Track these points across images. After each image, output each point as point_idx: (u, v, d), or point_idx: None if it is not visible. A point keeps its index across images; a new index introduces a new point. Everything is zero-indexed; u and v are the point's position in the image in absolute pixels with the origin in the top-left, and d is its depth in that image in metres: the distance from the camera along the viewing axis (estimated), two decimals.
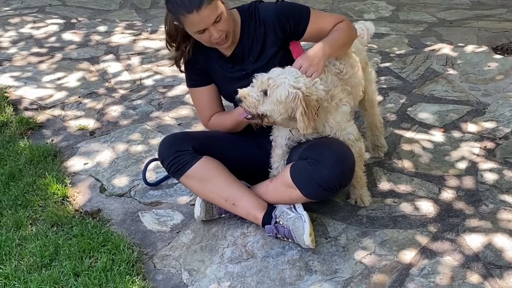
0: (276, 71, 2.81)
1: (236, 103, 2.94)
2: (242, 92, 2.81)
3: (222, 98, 3.28)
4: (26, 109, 4.48)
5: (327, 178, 2.83)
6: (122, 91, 4.75)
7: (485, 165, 3.57)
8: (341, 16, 3.13)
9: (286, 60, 2.99)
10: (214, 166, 3.05)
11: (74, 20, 6.45)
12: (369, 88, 3.47)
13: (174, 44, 3.06)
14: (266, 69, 2.85)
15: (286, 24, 2.99)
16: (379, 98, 4.33)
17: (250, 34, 3.04)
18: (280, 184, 3.00)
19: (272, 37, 3.02)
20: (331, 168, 2.81)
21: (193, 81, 3.22)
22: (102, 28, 6.20)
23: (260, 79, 2.78)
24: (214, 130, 3.27)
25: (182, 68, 3.16)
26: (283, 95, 2.72)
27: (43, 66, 5.24)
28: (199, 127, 4.08)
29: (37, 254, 2.95)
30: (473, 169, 3.54)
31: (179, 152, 3.03)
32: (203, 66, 3.14)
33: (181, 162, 3.02)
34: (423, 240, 2.98)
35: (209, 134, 3.28)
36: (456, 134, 3.94)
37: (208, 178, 3.03)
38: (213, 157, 3.07)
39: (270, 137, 3.12)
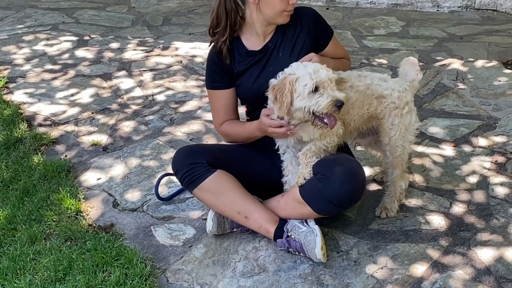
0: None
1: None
2: None
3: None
4: (40, 125, 4.53)
5: (338, 195, 2.84)
6: (134, 107, 4.80)
7: (496, 179, 3.58)
8: (348, 56, 3.36)
9: None
10: (228, 179, 3.07)
11: (87, 37, 6.52)
12: (394, 135, 3.11)
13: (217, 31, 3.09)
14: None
15: (319, 28, 3.13)
16: None
17: (285, 31, 3.13)
18: (291, 200, 3.01)
19: (304, 36, 3.11)
20: (341, 184, 2.83)
21: (213, 83, 3.22)
22: (114, 45, 6.26)
23: None
24: (224, 135, 3.29)
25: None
26: None
27: (56, 83, 5.29)
28: (210, 141, 4.11)
29: (51, 268, 2.97)
30: (484, 183, 3.55)
31: (193, 165, 3.05)
32: (228, 65, 3.14)
33: (195, 174, 3.04)
34: (434, 254, 2.98)
35: (223, 148, 3.32)
36: (467, 148, 3.95)
37: (221, 191, 3.05)
38: (226, 171, 3.09)
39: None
